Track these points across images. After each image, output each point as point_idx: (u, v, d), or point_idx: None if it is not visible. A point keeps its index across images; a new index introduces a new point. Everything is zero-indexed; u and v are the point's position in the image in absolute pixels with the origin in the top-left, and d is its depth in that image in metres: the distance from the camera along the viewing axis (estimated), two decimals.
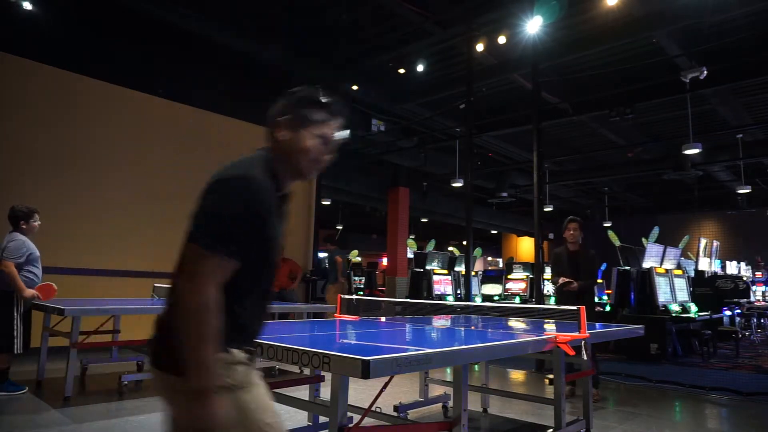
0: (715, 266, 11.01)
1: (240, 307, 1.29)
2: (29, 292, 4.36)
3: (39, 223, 4.62)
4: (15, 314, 4.32)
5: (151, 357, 1.28)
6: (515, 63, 8.19)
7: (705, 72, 7.36)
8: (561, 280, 4.93)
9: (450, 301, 9.88)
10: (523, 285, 12.07)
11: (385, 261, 14.63)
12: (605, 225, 15.15)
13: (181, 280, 1.19)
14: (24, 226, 4.49)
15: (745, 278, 10.12)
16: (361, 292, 12.73)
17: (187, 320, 1.16)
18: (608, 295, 8.77)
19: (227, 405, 1.21)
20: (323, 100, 1.42)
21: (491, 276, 12.79)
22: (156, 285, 5.93)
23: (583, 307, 2.87)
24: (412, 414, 3.92)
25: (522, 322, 3.86)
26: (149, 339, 1.31)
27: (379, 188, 13.12)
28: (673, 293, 7.85)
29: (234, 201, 1.23)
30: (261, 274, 1.34)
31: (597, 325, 3.62)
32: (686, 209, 17.17)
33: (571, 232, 5.03)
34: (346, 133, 1.47)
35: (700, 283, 9.18)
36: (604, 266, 9.77)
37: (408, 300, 6.69)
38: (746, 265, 14.07)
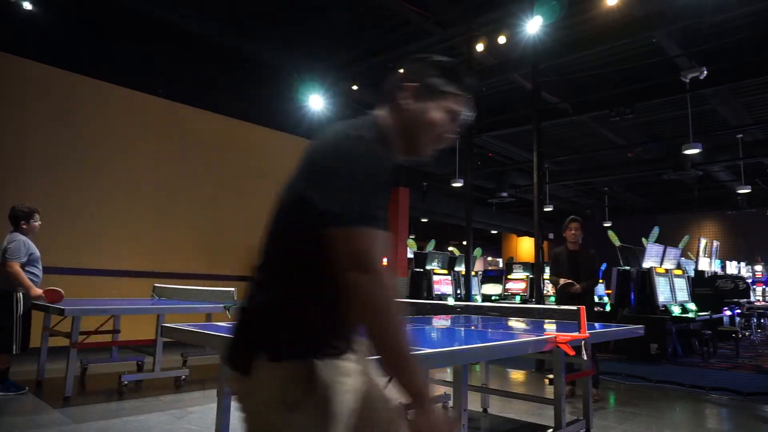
0: (715, 266, 11.01)
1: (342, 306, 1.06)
2: (36, 291, 4.36)
3: (39, 223, 4.62)
4: (14, 314, 4.32)
5: (234, 361, 1.10)
6: (515, 63, 8.18)
7: (705, 72, 7.35)
8: (562, 281, 4.93)
9: (450, 301, 9.88)
10: (523, 285, 12.08)
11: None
12: (605, 225, 15.13)
13: (350, 274, 0.99)
14: (24, 226, 4.49)
15: (745, 278, 10.11)
16: None
17: (383, 320, 0.98)
18: (608, 295, 8.76)
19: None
20: (457, 72, 1.25)
21: (491, 276, 12.81)
22: (156, 285, 5.94)
23: (583, 307, 2.88)
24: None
25: (522, 322, 3.85)
26: (229, 344, 1.12)
27: None
28: (673, 293, 7.85)
29: (368, 164, 1.05)
30: None
31: (597, 325, 3.62)
32: (686, 209, 17.16)
33: (573, 231, 5.02)
34: (473, 113, 1.31)
35: (700, 283, 9.18)
36: (604, 266, 9.77)
37: (408, 300, 6.68)
38: (746, 264, 14.07)
